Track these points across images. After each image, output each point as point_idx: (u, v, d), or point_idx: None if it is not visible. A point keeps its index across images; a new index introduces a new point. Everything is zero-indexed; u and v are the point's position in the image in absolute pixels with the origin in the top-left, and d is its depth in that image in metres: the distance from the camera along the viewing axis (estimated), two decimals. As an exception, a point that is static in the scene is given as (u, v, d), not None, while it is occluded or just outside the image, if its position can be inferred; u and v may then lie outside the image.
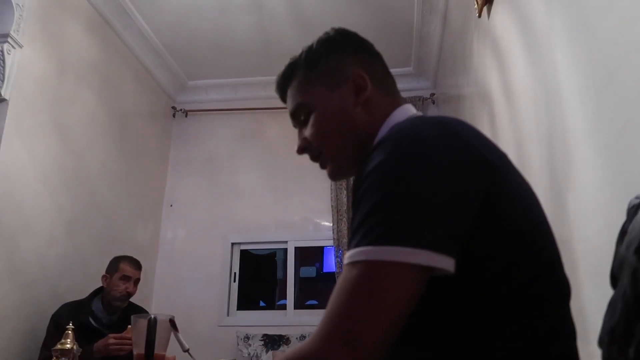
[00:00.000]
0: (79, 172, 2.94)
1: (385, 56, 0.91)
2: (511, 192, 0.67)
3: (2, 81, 2.41)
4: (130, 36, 3.51)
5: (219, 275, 3.80)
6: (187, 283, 3.79)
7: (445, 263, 0.58)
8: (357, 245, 0.60)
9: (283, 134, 4.00)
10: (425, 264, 0.57)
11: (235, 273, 3.87)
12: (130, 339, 2.14)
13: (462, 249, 0.61)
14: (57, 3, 2.80)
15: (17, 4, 2.49)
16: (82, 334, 2.01)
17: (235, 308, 3.78)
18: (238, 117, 4.20)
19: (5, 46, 2.43)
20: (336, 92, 0.83)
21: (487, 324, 0.61)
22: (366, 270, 0.58)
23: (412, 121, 0.71)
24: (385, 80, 0.87)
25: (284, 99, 0.92)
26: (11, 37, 2.44)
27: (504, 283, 0.62)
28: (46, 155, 2.67)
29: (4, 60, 2.42)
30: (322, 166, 0.87)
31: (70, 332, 1.87)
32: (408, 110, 0.83)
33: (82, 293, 2.61)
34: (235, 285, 3.83)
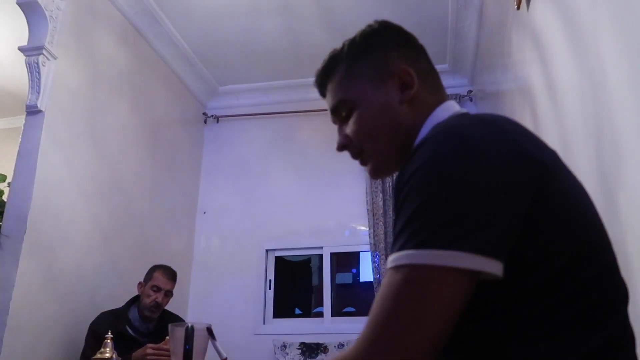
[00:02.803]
0: (113, 182, 2.96)
1: (420, 53, 0.85)
2: (563, 192, 0.63)
3: (38, 93, 2.44)
4: (161, 44, 3.53)
5: (254, 283, 3.76)
6: (222, 291, 3.76)
7: (493, 267, 0.56)
8: (400, 249, 0.58)
9: (316, 136, 3.95)
10: (472, 267, 0.55)
11: (270, 280, 3.82)
12: (168, 349, 2.11)
13: (511, 253, 0.58)
14: (89, 14, 2.83)
15: (51, 16, 2.52)
16: (119, 343, 2.00)
17: (272, 316, 3.73)
18: (269, 121, 4.17)
19: (40, 58, 2.46)
20: (380, 88, 0.80)
21: (539, 332, 0.58)
22: (411, 274, 0.56)
23: (454, 119, 0.69)
24: (430, 75, 0.83)
25: (323, 94, 0.89)
26: (46, 49, 2.47)
27: (557, 289, 0.59)
28: (81, 165, 2.69)
29: (39, 72, 2.45)
30: (363, 163, 0.84)
31: (109, 341, 1.87)
32: (451, 108, 0.79)
33: (119, 302, 2.61)
34: (270, 293, 3.78)
